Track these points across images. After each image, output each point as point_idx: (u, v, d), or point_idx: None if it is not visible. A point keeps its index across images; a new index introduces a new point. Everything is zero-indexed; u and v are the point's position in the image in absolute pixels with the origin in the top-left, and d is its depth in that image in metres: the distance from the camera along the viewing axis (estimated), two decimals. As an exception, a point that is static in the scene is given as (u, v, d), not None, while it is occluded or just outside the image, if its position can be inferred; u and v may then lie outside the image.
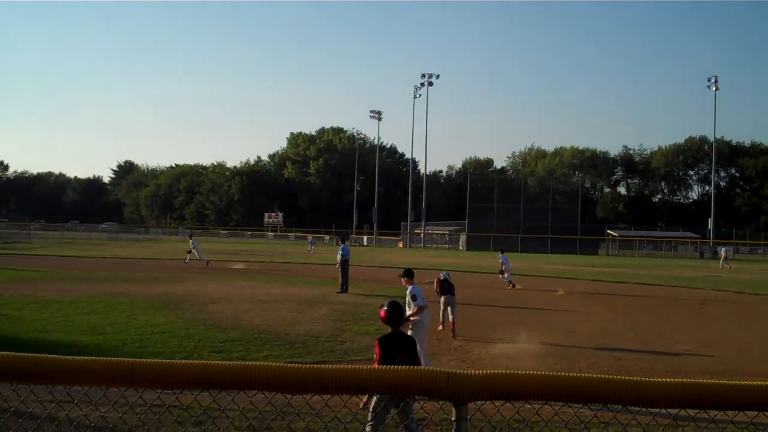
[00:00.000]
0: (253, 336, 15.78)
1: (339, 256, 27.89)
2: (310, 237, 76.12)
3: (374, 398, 6.87)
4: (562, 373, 3.11)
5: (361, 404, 7.33)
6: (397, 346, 7.52)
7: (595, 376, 3.09)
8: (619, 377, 3.07)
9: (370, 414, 7.16)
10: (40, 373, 3.34)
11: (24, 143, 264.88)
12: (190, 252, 41.59)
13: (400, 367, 3.18)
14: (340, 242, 29.77)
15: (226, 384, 3.25)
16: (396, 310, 7.86)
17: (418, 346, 10.17)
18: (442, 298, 18.50)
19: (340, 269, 27.48)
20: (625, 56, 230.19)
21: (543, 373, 3.12)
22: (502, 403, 3.23)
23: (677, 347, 16.19)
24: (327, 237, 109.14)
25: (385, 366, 3.24)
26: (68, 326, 16.51)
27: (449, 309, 18.12)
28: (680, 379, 3.08)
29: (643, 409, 3.18)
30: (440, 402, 3.29)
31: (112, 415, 8.39)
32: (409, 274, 12.86)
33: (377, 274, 37.49)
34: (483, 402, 3.20)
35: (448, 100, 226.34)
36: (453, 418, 3.18)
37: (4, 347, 3.49)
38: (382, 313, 7.92)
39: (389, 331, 7.77)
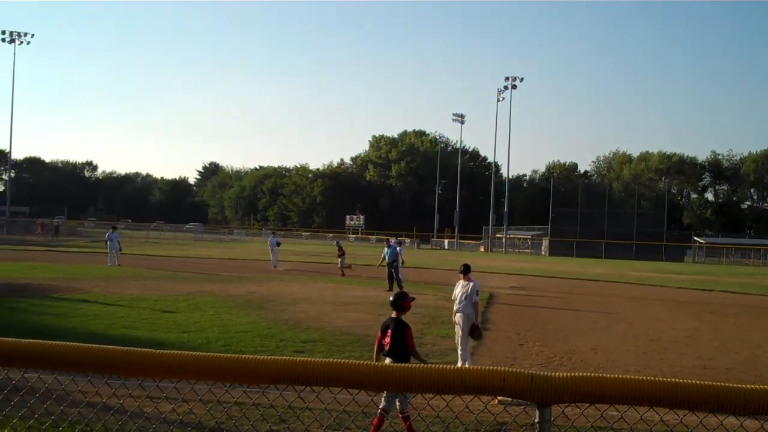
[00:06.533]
0: (334, 337, 15.93)
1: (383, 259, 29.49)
2: (405, 241, 64.32)
3: None
4: (648, 377, 3.09)
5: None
6: (388, 328, 8.66)
7: (681, 380, 3.06)
8: (705, 382, 3.04)
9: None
10: (133, 366, 3.46)
11: (112, 144, 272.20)
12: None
13: (484, 367, 3.20)
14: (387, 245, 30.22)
15: (311, 380, 3.30)
16: (396, 299, 8.95)
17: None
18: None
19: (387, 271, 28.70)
20: (716, 58, 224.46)
21: (628, 376, 3.10)
22: (586, 406, 3.22)
23: (765, 357, 15.78)
24: (408, 240, 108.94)
25: (468, 367, 3.27)
26: (153, 324, 16.96)
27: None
28: (770, 387, 3.02)
29: (731, 416, 3.14)
30: (523, 404, 3.30)
31: (199, 410, 8.63)
32: (466, 269, 13.89)
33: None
34: (567, 405, 3.19)
35: (531, 103, 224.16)
36: (536, 420, 3.18)
37: (92, 343, 3.63)
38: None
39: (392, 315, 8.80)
